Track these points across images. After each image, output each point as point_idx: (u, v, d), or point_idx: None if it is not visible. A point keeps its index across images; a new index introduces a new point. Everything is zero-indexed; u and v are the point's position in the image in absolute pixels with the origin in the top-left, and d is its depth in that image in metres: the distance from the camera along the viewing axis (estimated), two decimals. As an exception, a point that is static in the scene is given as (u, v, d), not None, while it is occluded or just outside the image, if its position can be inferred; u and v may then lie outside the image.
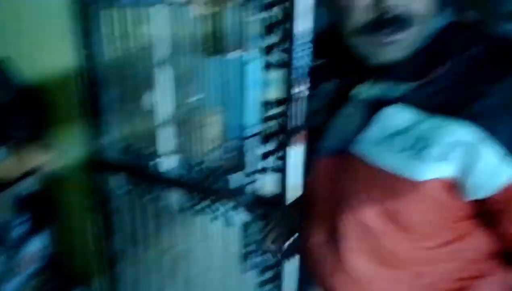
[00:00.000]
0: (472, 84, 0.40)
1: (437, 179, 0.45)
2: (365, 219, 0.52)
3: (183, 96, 1.01)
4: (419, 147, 0.43)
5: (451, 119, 0.41)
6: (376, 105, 0.46)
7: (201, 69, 0.97)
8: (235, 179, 0.99)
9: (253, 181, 0.96)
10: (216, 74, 0.96)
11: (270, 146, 0.95)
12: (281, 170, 0.93)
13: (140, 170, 1.14)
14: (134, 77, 1.06)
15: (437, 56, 0.42)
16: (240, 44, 0.91)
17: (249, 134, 0.94)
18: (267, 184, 1.02)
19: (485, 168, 0.43)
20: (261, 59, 0.93)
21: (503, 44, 0.43)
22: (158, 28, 1.02)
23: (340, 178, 0.50)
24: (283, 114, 0.90)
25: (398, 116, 0.43)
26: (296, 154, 0.90)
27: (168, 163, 1.17)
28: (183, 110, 1.03)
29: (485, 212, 0.49)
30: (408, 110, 0.43)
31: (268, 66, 0.90)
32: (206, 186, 1.02)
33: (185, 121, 1.03)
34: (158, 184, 1.13)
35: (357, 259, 0.53)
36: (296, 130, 0.90)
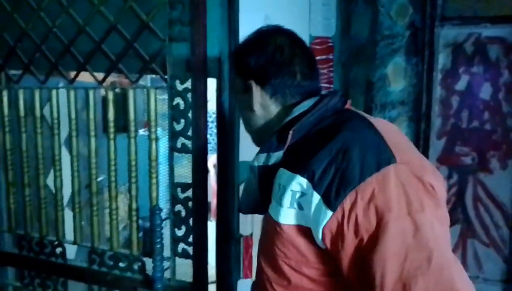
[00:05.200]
0: (308, 149, 0.53)
1: (291, 224, 0.52)
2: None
3: (88, 177, 0.95)
4: (280, 194, 0.53)
5: (296, 172, 0.52)
6: (263, 170, 0.57)
7: (107, 149, 0.92)
8: (145, 266, 0.92)
9: (164, 268, 0.90)
10: (123, 153, 0.92)
11: (180, 231, 0.91)
12: (190, 256, 0.90)
13: (36, 262, 1.03)
14: (35, 159, 0.98)
15: (286, 135, 0.57)
16: (147, 123, 0.89)
17: (159, 216, 0.89)
18: (179, 269, 0.96)
19: (314, 213, 0.50)
20: (168, 141, 0.92)
21: (319, 128, 0.59)
22: (62, 109, 0.97)
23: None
24: (190, 200, 0.88)
25: (279, 175, 0.55)
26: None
27: (70, 253, 1.06)
28: (89, 192, 0.95)
29: (332, 257, 0.52)
30: (281, 170, 0.54)
31: (172, 150, 0.90)
32: (109, 279, 0.93)
33: (90, 205, 0.96)
34: (58, 276, 1.02)
35: None
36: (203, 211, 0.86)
